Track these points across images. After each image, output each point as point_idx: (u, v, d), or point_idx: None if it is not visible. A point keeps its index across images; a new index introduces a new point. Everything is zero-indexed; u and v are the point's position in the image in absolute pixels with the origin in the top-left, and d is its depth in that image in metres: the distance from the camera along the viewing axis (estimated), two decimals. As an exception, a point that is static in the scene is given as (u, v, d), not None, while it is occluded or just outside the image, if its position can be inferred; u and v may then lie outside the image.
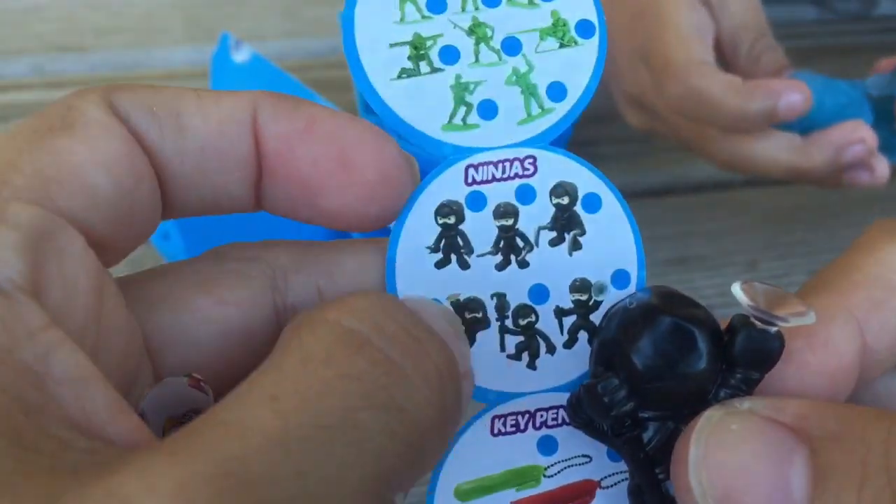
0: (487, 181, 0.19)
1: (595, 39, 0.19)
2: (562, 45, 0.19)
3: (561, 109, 0.19)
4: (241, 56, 0.54)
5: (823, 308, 0.18)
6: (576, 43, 0.19)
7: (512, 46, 0.19)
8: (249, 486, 0.12)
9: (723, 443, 0.16)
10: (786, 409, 0.16)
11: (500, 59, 0.19)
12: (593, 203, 0.19)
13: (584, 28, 0.19)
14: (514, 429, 0.19)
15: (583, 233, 0.19)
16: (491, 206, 0.19)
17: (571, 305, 0.19)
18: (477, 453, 0.18)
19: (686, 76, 0.43)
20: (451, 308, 0.18)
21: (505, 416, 0.19)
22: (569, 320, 0.19)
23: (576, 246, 0.19)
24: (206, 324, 0.17)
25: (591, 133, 0.63)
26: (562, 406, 0.19)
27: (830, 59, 0.68)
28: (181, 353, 0.17)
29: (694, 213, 0.53)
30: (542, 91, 0.19)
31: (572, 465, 0.19)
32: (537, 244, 0.19)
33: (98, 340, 0.15)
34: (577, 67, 0.19)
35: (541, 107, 0.19)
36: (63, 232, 0.15)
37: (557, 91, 0.19)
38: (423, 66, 0.18)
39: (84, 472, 0.12)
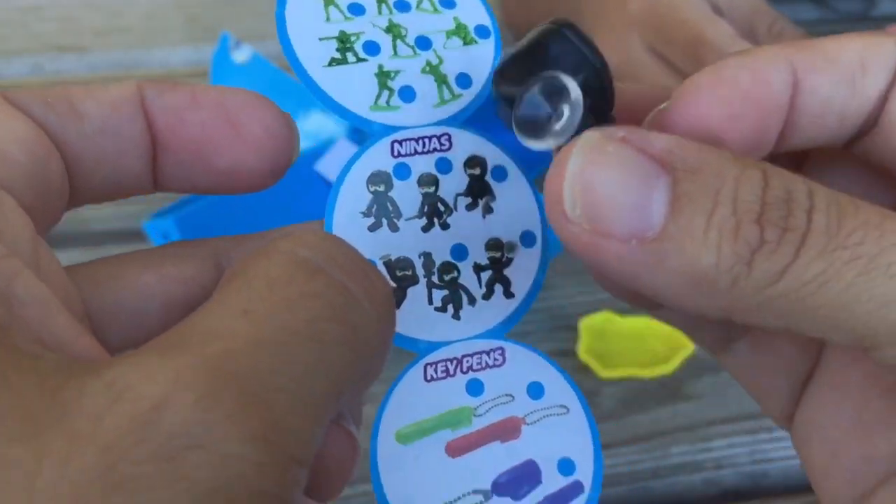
0: (410, 154, 0.21)
1: (491, 39, 0.23)
2: (465, 44, 0.22)
3: (468, 95, 0.22)
4: (241, 56, 0.54)
5: (766, 50, 0.19)
6: (475, 42, 0.23)
7: (424, 43, 0.22)
8: (235, 377, 0.14)
9: (597, 161, 0.17)
10: (656, 142, 0.17)
11: (414, 53, 0.22)
12: (501, 173, 0.22)
13: (482, 31, 0.23)
14: (444, 374, 0.21)
15: (494, 199, 0.22)
16: (415, 176, 0.21)
17: (487, 262, 0.22)
18: (413, 399, 0.21)
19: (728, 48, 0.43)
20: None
21: (436, 363, 0.21)
22: (486, 275, 0.22)
23: (488, 210, 0.22)
24: (150, 299, 0.19)
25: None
26: (484, 352, 0.21)
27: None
28: (126, 328, 0.18)
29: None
30: (451, 80, 0.22)
31: (498, 405, 0.21)
32: (456, 209, 0.21)
33: None
34: (478, 61, 0.22)
35: (451, 93, 0.22)
36: None
37: (464, 80, 0.22)
38: (350, 57, 0.21)
39: (74, 370, 0.14)
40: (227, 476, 0.13)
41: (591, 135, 0.18)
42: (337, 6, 0.22)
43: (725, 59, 0.19)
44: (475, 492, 0.21)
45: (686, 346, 0.47)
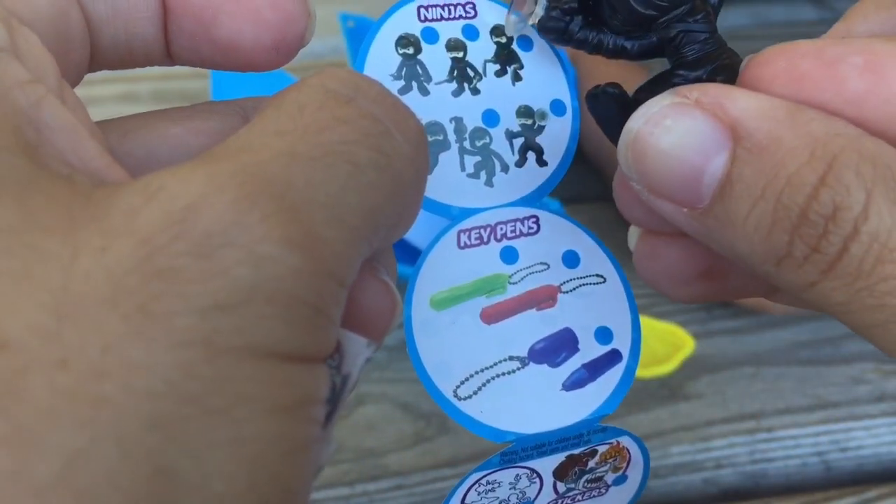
0: (437, 20, 0.21)
1: None
2: None
3: None
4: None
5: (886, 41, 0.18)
6: None
7: None
8: (270, 183, 0.13)
9: (653, 132, 0.17)
10: (738, 101, 0.17)
11: None
12: (527, 43, 0.22)
13: None
14: (478, 241, 0.21)
15: (521, 67, 0.22)
16: (443, 41, 0.21)
17: (519, 128, 0.21)
18: (447, 265, 0.20)
19: None
20: None
21: (469, 230, 0.21)
22: (518, 141, 0.21)
23: (517, 78, 0.21)
24: (178, 149, 0.18)
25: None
26: (518, 220, 0.21)
27: (830, 58, 0.67)
28: None
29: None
30: None
31: (533, 273, 0.21)
32: (485, 74, 0.21)
33: None
34: None
35: None
36: (20, 24, 0.15)
37: None
38: None
39: (107, 184, 0.13)
40: (264, 276, 0.13)
41: (656, 101, 0.17)
42: None
43: None
44: (511, 358, 0.20)
45: (686, 346, 0.47)
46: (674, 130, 0.17)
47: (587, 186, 0.59)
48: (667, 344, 0.48)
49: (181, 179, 0.13)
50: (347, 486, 0.42)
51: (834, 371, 0.48)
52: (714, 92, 0.17)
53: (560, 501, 0.22)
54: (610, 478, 0.22)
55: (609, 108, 0.20)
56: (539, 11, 0.20)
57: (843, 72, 0.17)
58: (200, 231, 0.12)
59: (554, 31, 0.20)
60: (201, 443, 0.12)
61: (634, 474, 0.22)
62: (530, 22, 0.21)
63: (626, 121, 0.18)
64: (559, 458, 0.21)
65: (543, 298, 0.21)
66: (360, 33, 0.52)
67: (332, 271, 0.14)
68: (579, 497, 0.22)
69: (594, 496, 0.22)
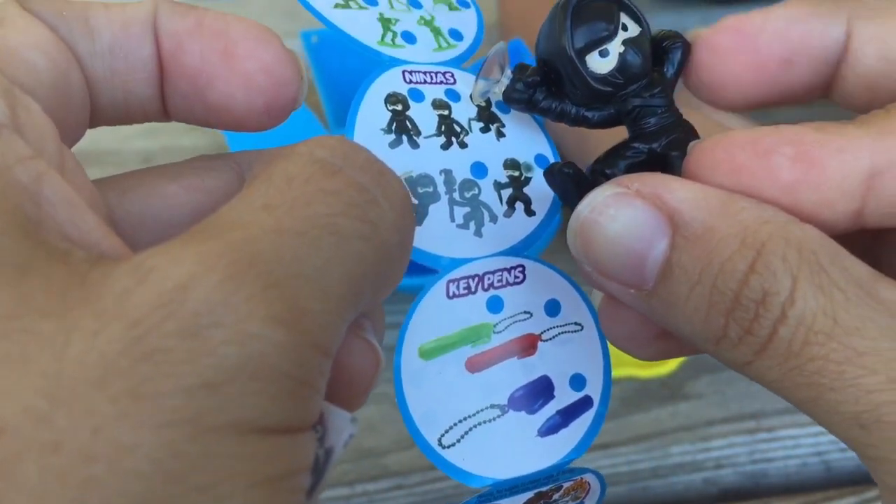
0: (421, 83, 0.22)
1: (472, 10, 0.24)
2: (450, 9, 0.24)
3: (462, 46, 0.23)
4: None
5: (842, 128, 0.18)
6: (458, 9, 0.24)
7: (415, 4, 0.23)
8: (257, 262, 0.14)
9: (598, 221, 0.18)
10: (676, 192, 0.18)
11: (408, 9, 0.23)
12: (504, 106, 0.23)
13: (463, 2, 0.24)
14: (466, 291, 0.21)
15: (503, 125, 0.23)
16: (429, 100, 0.22)
17: (507, 180, 0.22)
18: (435, 315, 0.21)
19: None
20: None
21: (458, 280, 0.21)
22: (506, 192, 0.22)
23: (500, 134, 0.22)
24: (175, 208, 0.19)
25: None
26: (505, 269, 0.22)
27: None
28: (152, 236, 0.19)
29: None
30: (445, 32, 0.23)
31: (517, 321, 0.22)
32: (471, 130, 0.22)
33: None
34: (465, 23, 0.24)
35: (447, 42, 0.23)
36: (21, 93, 0.16)
37: (456, 34, 0.23)
38: (353, 5, 0.22)
39: (102, 261, 0.14)
40: (249, 354, 0.13)
41: (600, 191, 0.18)
42: None
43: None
44: (493, 406, 0.21)
45: (686, 346, 0.47)
46: (617, 219, 0.18)
47: (587, 186, 0.59)
48: (667, 344, 0.48)
49: (171, 260, 0.14)
50: (347, 486, 0.42)
51: (834, 371, 0.48)
52: (653, 182, 0.18)
53: None
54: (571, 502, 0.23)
55: (566, 184, 0.21)
56: (504, 81, 0.22)
57: (776, 162, 0.18)
58: (189, 311, 0.13)
59: (518, 101, 0.22)
60: None
61: (591, 502, 0.23)
62: (496, 91, 0.22)
63: (581, 194, 0.19)
64: (528, 495, 0.22)
65: (525, 347, 0.22)
66: (323, 49, 0.52)
67: (317, 342, 0.14)
68: None
69: None
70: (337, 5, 0.22)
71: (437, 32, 0.23)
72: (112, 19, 0.18)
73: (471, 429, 0.21)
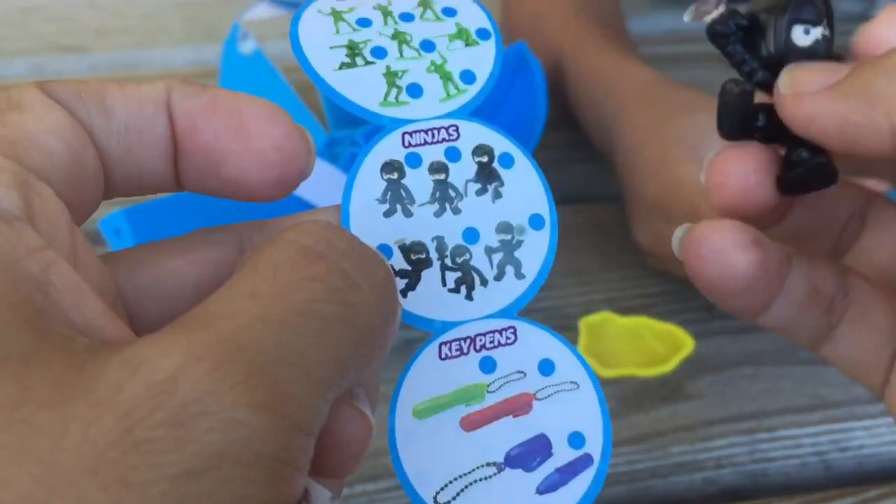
0: (421, 144, 0.23)
1: (492, 40, 0.25)
2: (467, 45, 0.24)
3: (473, 90, 0.24)
4: (246, 48, 0.54)
5: None
6: (477, 43, 0.24)
7: (428, 46, 0.24)
8: (242, 351, 0.15)
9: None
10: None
11: (419, 55, 0.24)
12: (508, 160, 0.23)
13: (483, 33, 0.24)
14: (458, 352, 0.22)
15: (502, 184, 0.23)
16: (426, 164, 0.23)
17: (498, 244, 0.23)
18: (429, 377, 0.22)
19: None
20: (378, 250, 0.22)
21: (450, 342, 0.22)
22: (497, 257, 0.23)
23: (497, 195, 0.23)
24: (181, 282, 0.20)
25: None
26: (496, 331, 0.23)
27: (830, 59, 0.67)
28: (161, 309, 0.20)
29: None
30: (456, 77, 0.24)
31: (510, 381, 0.23)
32: (466, 194, 0.23)
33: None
34: (481, 60, 0.24)
35: (456, 88, 0.24)
36: (36, 180, 0.17)
37: (468, 76, 0.24)
38: (359, 61, 0.23)
39: (101, 350, 0.15)
40: (232, 440, 0.14)
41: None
42: (345, 21, 0.23)
43: None
44: (489, 464, 0.22)
45: (685, 346, 0.47)
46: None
47: (587, 186, 0.59)
48: (666, 344, 0.48)
49: (162, 352, 0.15)
50: (347, 486, 0.42)
51: (834, 371, 0.48)
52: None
53: None
54: None
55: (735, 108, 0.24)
56: (714, 14, 0.24)
57: None
58: (177, 402, 0.14)
59: (719, 34, 0.24)
60: None
61: None
62: (706, 19, 0.24)
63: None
64: None
65: (520, 406, 0.22)
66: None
67: (299, 423, 0.16)
68: None
69: None
70: (343, 65, 0.23)
71: (447, 79, 0.23)
72: (127, 99, 0.19)
73: (467, 486, 0.22)
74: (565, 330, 0.48)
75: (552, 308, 0.50)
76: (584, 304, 0.50)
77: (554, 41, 0.58)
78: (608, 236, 0.54)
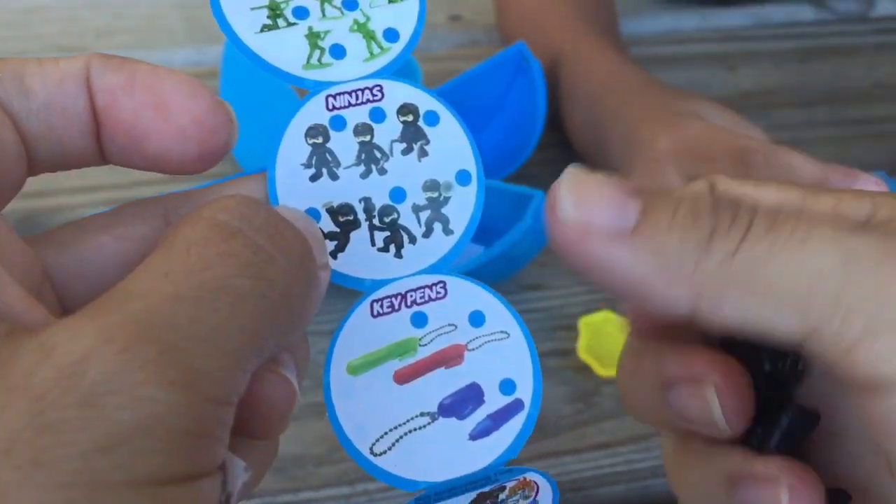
0: (345, 107, 0.23)
1: None
2: (390, 2, 0.24)
3: (396, 48, 0.24)
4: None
5: None
6: (400, 0, 0.24)
7: (350, 4, 0.24)
8: (153, 329, 0.16)
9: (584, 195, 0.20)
10: (630, 183, 0.20)
11: (342, 13, 0.24)
12: (433, 118, 0.24)
13: None
14: (390, 309, 0.23)
15: (427, 142, 0.23)
16: (350, 126, 0.23)
17: (426, 202, 0.23)
18: (361, 334, 0.23)
19: None
20: (307, 214, 0.22)
21: (381, 299, 0.23)
22: (424, 215, 0.23)
23: (423, 153, 0.23)
24: (108, 258, 0.20)
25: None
26: (426, 286, 0.23)
27: (829, 59, 0.68)
28: (88, 286, 0.20)
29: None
30: (379, 35, 0.24)
31: (442, 334, 0.23)
32: (392, 154, 0.23)
33: None
34: (404, 17, 0.24)
35: (380, 47, 0.24)
36: None
37: (391, 34, 0.24)
38: (281, 22, 0.23)
39: (16, 335, 0.16)
40: (143, 416, 0.15)
41: (572, 170, 0.20)
42: None
43: None
44: (422, 414, 0.23)
45: (685, 346, 0.47)
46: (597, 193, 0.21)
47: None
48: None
49: (72, 336, 0.15)
50: (348, 486, 0.42)
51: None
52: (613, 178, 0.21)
53: None
54: (521, 500, 0.24)
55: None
56: None
57: None
58: (87, 383, 0.15)
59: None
60: None
61: (545, 500, 0.24)
62: None
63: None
64: (470, 496, 0.23)
65: (452, 357, 0.23)
66: None
67: (213, 396, 0.16)
68: None
69: None
70: (264, 27, 0.23)
71: (370, 37, 0.24)
72: (47, 77, 0.19)
73: (402, 437, 0.22)
74: (565, 330, 0.48)
75: (552, 308, 0.50)
76: (584, 304, 0.50)
77: (550, 43, 0.58)
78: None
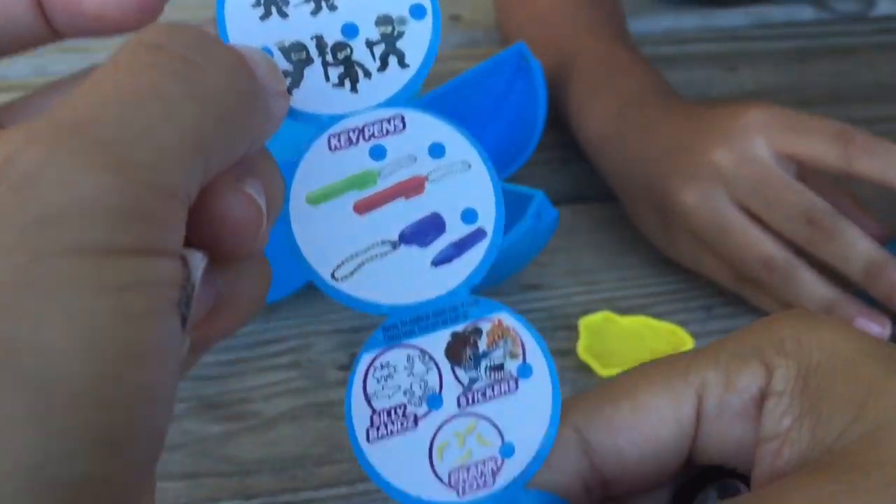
0: None
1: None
2: None
3: None
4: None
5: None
6: None
7: None
8: (79, 126, 0.17)
9: None
10: None
11: None
12: None
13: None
14: (348, 143, 0.23)
15: None
16: None
17: (379, 37, 0.23)
18: (320, 167, 0.23)
19: None
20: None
21: (339, 133, 0.23)
22: (378, 49, 0.23)
23: None
24: None
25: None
26: (384, 119, 0.23)
27: (829, 59, 0.67)
28: None
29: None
30: None
31: (401, 167, 0.23)
32: None
33: None
34: None
35: None
36: None
37: None
38: None
39: None
40: (77, 196, 0.16)
41: None
42: None
43: None
44: (383, 242, 0.23)
45: (685, 346, 0.47)
46: None
47: (586, 186, 0.59)
48: (666, 343, 0.48)
49: (6, 139, 0.16)
50: (348, 486, 0.42)
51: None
52: None
53: (469, 395, 0.23)
54: (512, 367, 0.24)
55: None
56: None
57: None
58: (19, 172, 0.16)
59: None
60: (35, 318, 0.15)
61: (538, 364, 0.24)
62: None
63: None
64: (443, 335, 0.23)
65: (412, 188, 0.23)
66: None
67: (151, 183, 0.17)
68: (490, 392, 0.24)
69: (505, 392, 0.24)
70: None
71: None
72: None
73: (363, 262, 0.23)
74: (565, 330, 0.48)
75: (552, 308, 0.50)
76: (584, 304, 0.50)
77: (561, 41, 0.58)
78: (608, 236, 0.54)
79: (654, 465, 0.24)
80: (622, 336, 0.49)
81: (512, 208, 0.46)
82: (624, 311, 0.49)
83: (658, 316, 0.49)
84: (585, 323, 0.48)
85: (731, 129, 0.47)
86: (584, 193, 0.57)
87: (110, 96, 0.17)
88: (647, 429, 0.24)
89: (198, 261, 0.19)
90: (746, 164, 0.46)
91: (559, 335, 0.48)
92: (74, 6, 0.21)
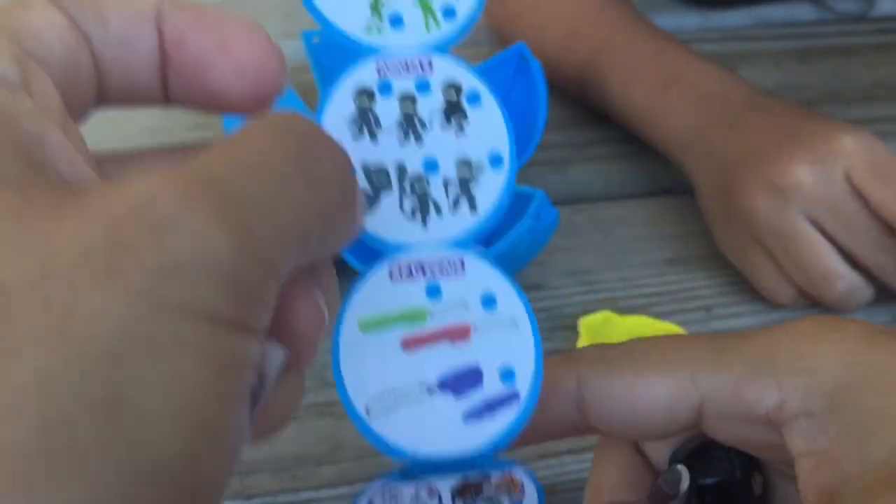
0: (394, 74, 0.24)
1: None
2: None
3: (453, 27, 0.25)
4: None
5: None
6: None
7: None
8: (214, 182, 0.17)
9: None
10: None
11: None
12: (475, 98, 0.25)
13: None
14: (408, 276, 0.24)
15: (467, 121, 0.25)
16: (396, 94, 0.24)
17: (456, 178, 0.24)
18: (377, 294, 0.24)
19: None
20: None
21: (401, 265, 0.24)
22: (453, 189, 0.24)
23: (460, 131, 0.25)
24: None
25: (592, 134, 0.63)
26: (446, 260, 0.24)
27: (829, 59, 0.67)
28: None
29: (694, 213, 0.53)
30: (437, 11, 0.25)
31: (453, 309, 0.24)
32: (431, 126, 0.24)
33: None
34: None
35: (437, 24, 0.25)
36: (34, 64, 0.19)
37: (449, 13, 0.25)
38: None
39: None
40: (202, 252, 0.16)
41: None
42: None
43: None
44: (421, 384, 0.24)
45: (685, 346, 0.47)
46: None
47: (587, 186, 0.59)
48: (666, 343, 0.48)
49: (145, 182, 0.17)
50: (348, 486, 0.42)
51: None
52: None
53: None
54: (506, 500, 0.25)
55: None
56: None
57: None
58: (157, 213, 0.16)
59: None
60: (142, 375, 0.15)
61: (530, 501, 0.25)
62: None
63: None
64: (455, 478, 0.24)
65: (459, 334, 0.24)
66: (324, 50, 0.52)
67: (262, 259, 0.17)
68: None
69: None
70: None
71: (428, 12, 0.25)
72: (122, 12, 0.21)
73: (398, 402, 0.24)
74: (565, 330, 0.48)
75: (552, 308, 0.50)
76: (584, 304, 0.50)
77: (592, 37, 0.58)
78: (608, 236, 0.54)
79: (642, 435, 0.26)
80: (622, 336, 0.49)
81: (512, 208, 0.46)
82: (624, 311, 0.49)
83: (658, 316, 0.49)
84: (585, 323, 0.48)
85: (820, 151, 0.48)
86: (584, 193, 0.57)
87: (242, 161, 0.18)
88: (641, 410, 0.25)
89: (276, 358, 0.19)
90: (827, 187, 0.47)
91: (559, 335, 0.48)
92: (197, 80, 0.21)
